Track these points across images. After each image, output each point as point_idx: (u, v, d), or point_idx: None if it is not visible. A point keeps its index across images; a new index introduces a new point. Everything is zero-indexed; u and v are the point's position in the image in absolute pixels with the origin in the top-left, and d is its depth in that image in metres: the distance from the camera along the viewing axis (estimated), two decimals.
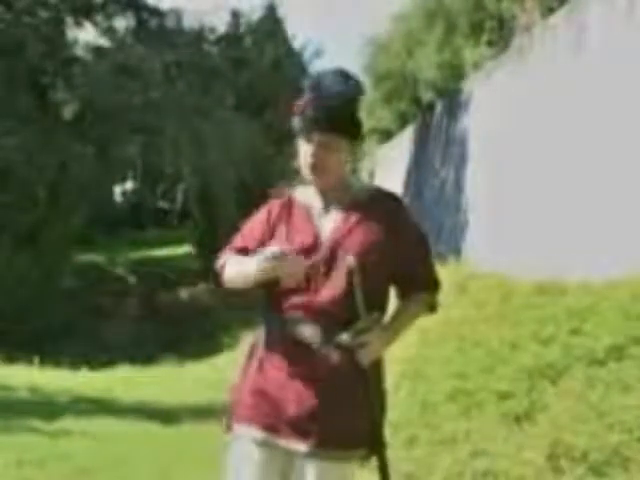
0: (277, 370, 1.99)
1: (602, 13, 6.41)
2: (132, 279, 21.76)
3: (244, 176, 18.29)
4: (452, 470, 3.76)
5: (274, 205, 2.13)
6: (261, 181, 17.50)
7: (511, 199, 8.32)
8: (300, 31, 67.98)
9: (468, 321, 6.26)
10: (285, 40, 26.09)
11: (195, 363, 12.04)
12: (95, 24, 17.88)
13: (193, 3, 26.62)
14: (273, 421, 1.97)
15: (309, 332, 1.96)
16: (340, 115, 1.98)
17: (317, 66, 27.40)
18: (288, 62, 24.94)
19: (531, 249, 7.45)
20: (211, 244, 15.02)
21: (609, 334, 4.26)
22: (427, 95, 12.63)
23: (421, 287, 2.11)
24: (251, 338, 2.17)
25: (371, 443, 2.01)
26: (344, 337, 1.96)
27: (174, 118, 16.79)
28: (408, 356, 6.19)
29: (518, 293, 6.37)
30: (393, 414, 4.69)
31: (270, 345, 2.02)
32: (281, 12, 26.36)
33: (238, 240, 2.17)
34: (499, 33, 9.77)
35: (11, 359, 10.41)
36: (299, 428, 1.95)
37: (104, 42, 18.14)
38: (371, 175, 19.94)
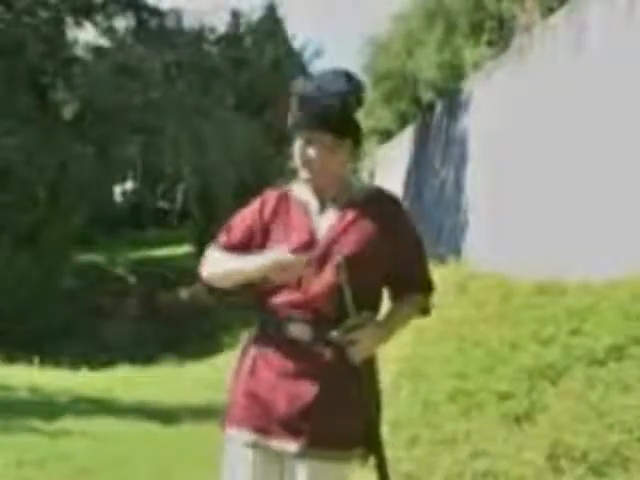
0: (268, 370, 1.98)
1: (602, 13, 6.41)
2: (132, 279, 21.76)
3: (244, 176, 18.29)
4: (452, 470, 3.76)
5: (269, 196, 2.11)
6: (261, 181, 17.49)
7: (511, 199, 8.32)
8: (300, 31, 68.09)
9: (468, 321, 6.26)
10: (285, 40, 26.12)
11: (195, 363, 12.04)
12: (95, 24, 17.89)
13: (193, 3, 26.66)
14: (264, 423, 1.97)
15: (300, 330, 1.95)
16: (337, 114, 1.97)
17: (317, 66, 27.45)
18: (288, 62, 24.94)
19: (531, 249, 7.45)
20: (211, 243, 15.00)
21: (609, 334, 4.26)
22: (427, 95, 12.63)
23: (415, 289, 2.11)
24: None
25: (367, 442, 2.00)
26: (334, 334, 1.95)
27: (174, 118, 16.79)
28: (407, 355, 6.20)
29: (518, 293, 6.37)
30: (394, 413, 4.70)
31: (262, 344, 2.01)
32: (281, 12, 26.41)
33: (227, 232, 2.14)
34: (499, 33, 9.77)
35: (11, 359, 10.40)
36: (290, 428, 1.94)
37: (104, 42, 18.15)
38: (371, 175, 19.94)
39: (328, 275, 1.95)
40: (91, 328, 16.49)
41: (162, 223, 30.61)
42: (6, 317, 13.80)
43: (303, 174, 2.02)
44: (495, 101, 9.27)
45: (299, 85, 2.03)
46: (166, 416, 6.93)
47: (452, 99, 11.39)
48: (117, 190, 30.09)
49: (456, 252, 10.00)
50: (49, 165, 14.92)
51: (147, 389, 9.03)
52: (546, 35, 7.76)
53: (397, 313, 2.10)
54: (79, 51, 17.83)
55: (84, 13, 17.51)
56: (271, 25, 25.40)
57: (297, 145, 2.02)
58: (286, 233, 2.02)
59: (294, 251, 1.96)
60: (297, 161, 2.02)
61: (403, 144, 15.14)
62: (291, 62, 25.25)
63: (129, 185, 31.26)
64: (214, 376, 9.52)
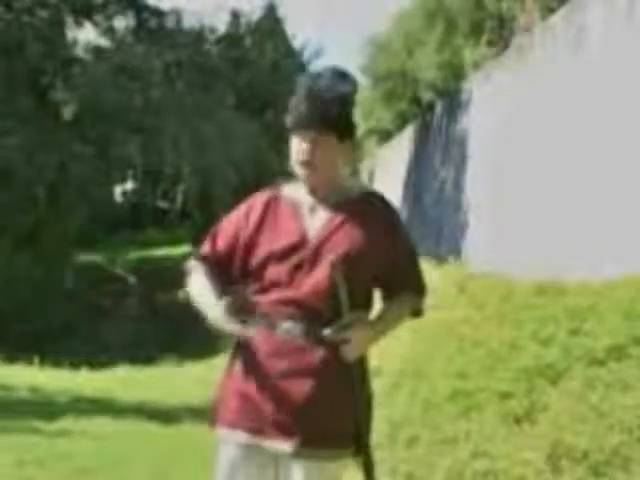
0: (260, 370, 1.97)
1: (602, 13, 6.41)
2: (132, 279, 21.75)
3: (244, 176, 18.28)
4: (452, 470, 3.76)
5: (256, 201, 2.11)
6: (261, 181, 17.45)
7: (511, 199, 8.32)
8: (300, 31, 68.04)
9: (468, 321, 6.26)
10: (285, 40, 26.10)
11: (195, 363, 12.03)
12: (95, 24, 17.88)
13: (193, 3, 26.65)
14: (258, 423, 1.96)
15: (292, 328, 1.95)
16: (335, 113, 1.98)
17: (317, 66, 27.40)
18: (288, 62, 24.93)
19: (531, 249, 7.45)
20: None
21: (609, 334, 4.26)
22: (427, 95, 12.64)
23: (408, 289, 2.11)
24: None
25: (356, 442, 2.00)
26: (327, 332, 1.95)
27: (174, 118, 16.77)
28: (407, 355, 6.20)
29: (518, 293, 6.37)
30: (394, 413, 4.70)
31: (253, 343, 2.00)
32: (281, 12, 26.37)
33: (210, 242, 2.15)
34: (499, 33, 9.78)
35: (11, 359, 10.40)
36: (284, 428, 1.93)
37: (104, 42, 18.14)
38: (371, 175, 19.94)
39: (321, 274, 1.95)
40: (91, 328, 16.49)
41: (162, 223, 30.57)
42: (6, 317, 13.80)
43: (302, 173, 2.01)
44: (495, 101, 9.27)
45: (301, 84, 2.03)
46: (166, 416, 6.93)
47: (452, 99, 11.40)
48: (117, 190, 30.05)
49: (456, 252, 10.00)
50: (49, 165, 14.90)
51: (147, 389, 9.02)
52: (546, 35, 7.76)
53: (389, 313, 2.10)
54: (79, 51, 17.81)
55: (84, 13, 17.50)
56: (271, 25, 25.38)
57: (295, 144, 2.01)
58: (275, 236, 2.02)
59: (284, 252, 1.97)
60: (296, 160, 2.01)
61: (403, 144, 15.13)
62: (291, 62, 25.23)
63: (129, 185, 31.22)
64: (214, 376, 9.49)
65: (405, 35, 13.53)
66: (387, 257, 2.02)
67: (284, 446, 1.93)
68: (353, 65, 16.09)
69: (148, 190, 31.59)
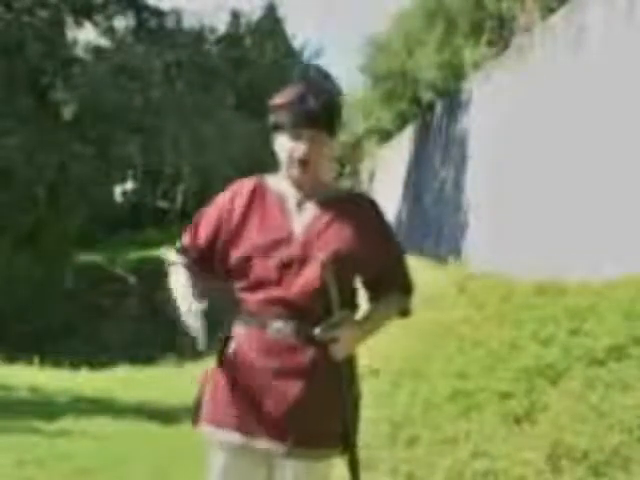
0: (251, 369, 1.96)
1: (602, 13, 6.41)
2: (132, 279, 21.75)
3: (244, 176, 18.28)
4: (452, 470, 3.76)
5: (242, 187, 2.10)
6: None
7: (511, 199, 8.33)
8: (300, 31, 68.14)
9: (468, 321, 6.26)
10: (285, 40, 26.13)
11: (195, 363, 12.03)
12: (95, 24, 17.87)
13: (193, 3, 26.67)
14: (249, 424, 1.95)
15: (283, 328, 1.94)
16: (329, 111, 1.98)
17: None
18: (288, 62, 24.95)
19: (531, 249, 7.45)
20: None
21: (609, 334, 4.27)
22: (427, 95, 12.65)
23: (395, 288, 2.11)
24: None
25: (344, 441, 2.00)
26: (317, 331, 1.94)
27: (174, 118, 16.78)
28: (408, 355, 6.19)
29: (518, 293, 6.38)
30: (394, 413, 4.70)
31: (242, 342, 1.99)
32: (281, 12, 26.44)
33: (191, 233, 2.13)
34: (499, 33, 9.79)
35: (11, 359, 10.41)
36: (276, 428, 1.93)
37: (104, 42, 18.14)
38: (371, 175, 19.95)
39: (312, 273, 1.94)
40: (91, 328, 16.49)
41: (162, 223, 30.58)
42: (6, 317, 13.81)
43: (295, 171, 2.00)
44: (495, 101, 9.27)
45: (294, 84, 2.02)
46: (166, 416, 6.92)
47: (452, 99, 11.40)
48: (117, 190, 30.07)
49: (456, 252, 10.00)
50: (49, 165, 14.91)
51: (147, 389, 9.02)
52: (546, 35, 7.77)
53: (376, 313, 2.10)
54: (79, 51, 17.82)
55: (84, 13, 17.50)
56: (271, 25, 25.41)
57: (287, 142, 1.99)
58: (261, 227, 2.01)
59: (270, 247, 1.95)
60: (290, 158, 1.99)
61: (403, 144, 15.14)
62: (291, 62, 25.25)
63: (129, 185, 31.24)
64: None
65: (405, 35, 13.54)
66: (375, 257, 2.02)
67: (277, 446, 1.93)
68: (353, 65, 16.09)
69: (148, 190, 31.62)
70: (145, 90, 16.68)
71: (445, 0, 11.46)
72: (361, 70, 16.82)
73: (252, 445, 1.96)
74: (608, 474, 3.26)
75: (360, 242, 1.99)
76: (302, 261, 1.95)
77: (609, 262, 5.64)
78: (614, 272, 5.30)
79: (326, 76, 2.03)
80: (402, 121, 15.20)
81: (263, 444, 1.94)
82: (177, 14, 19.55)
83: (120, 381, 9.69)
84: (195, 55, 18.95)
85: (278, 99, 2.01)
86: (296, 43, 27.36)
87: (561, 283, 5.94)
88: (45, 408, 6.75)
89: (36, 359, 10.46)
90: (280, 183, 2.07)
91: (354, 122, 18.68)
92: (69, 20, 17.31)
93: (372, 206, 2.08)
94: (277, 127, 2.02)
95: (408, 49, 13.22)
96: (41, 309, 14.99)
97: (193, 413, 2.09)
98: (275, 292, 1.95)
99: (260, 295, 1.96)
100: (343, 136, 20.46)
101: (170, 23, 19.40)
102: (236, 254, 2.01)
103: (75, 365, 10.90)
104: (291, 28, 39.32)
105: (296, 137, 1.98)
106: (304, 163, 1.98)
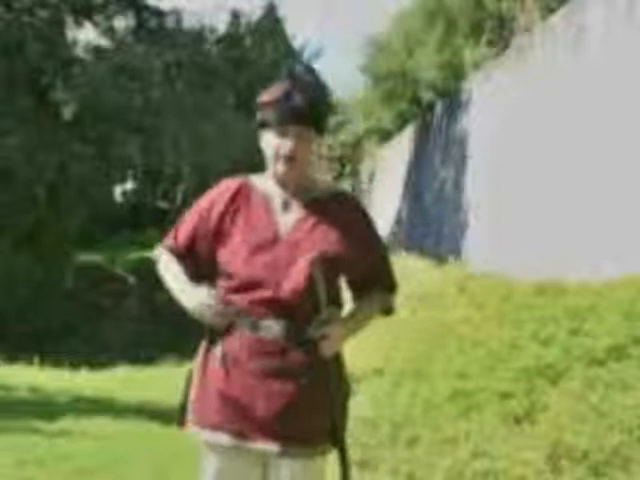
0: (241, 370, 1.96)
1: (602, 13, 6.42)
2: (132, 279, 21.74)
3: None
4: (452, 470, 3.76)
5: (226, 187, 2.10)
6: None
7: (511, 199, 8.33)
8: (300, 31, 68.09)
9: (468, 321, 6.27)
10: (285, 40, 26.13)
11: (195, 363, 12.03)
12: (95, 24, 17.86)
13: (193, 3, 26.66)
14: (242, 425, 1.95)
15: (273, 327, 1.94)
16: (315, 107, 1.98)
17: (317, 66, 27.40)
18: (288, 62, 24.94)
19: (531, 249, 7.45)
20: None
21: (609, 334, 4.27)
22: (427, 95, 12.64)
23: (379, 287, 2.13)
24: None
25: (333, 437, 2.00)
26: (307, 329, 1.96)
27: (174, 118, 16.77)
28: (408, 355, 6.19)
29: (518, 293, 6.38)
30: (394, 413, 4.70)
31: (231, 343, 1.98)
32: (281, 12, 26.42)
33: (175, 232, 2.15)
34: (499, 33, 9.79)
35: (11, 359, 10.41)
36: (269, 428, 1.93)
37: (104, 42, 18.13)
38: (371, 175, 19.93)
39: (300, 273, 1.94)
40: (91, 328, 16.49)
41: (162, 223, 30.56)
42: (6, 317, 13.80)
43: (281, 169, 1.99)
44: (495, 101, 9.27)
45: (282, 82, 2.02)
46: (166, 416, 6.91)
47: (452, 99, 11.40)
48: (117, 190, 30.06)
49: (456, 252, 10.00)
50: (49, 165, 14.90)
51: (147, 389, 9.01)
52: (546, 35, 7.77)
53: (360, 312, 2.11)
54: (79, 51, 17.80)
55: (84, 13, 17.49)
56: (271, 25, 25.41)
57: (273, 139, 1.99)
58: (246, 228, 2.01)
59: (255, 249, 1.96)
60: (276, 155, 1.99)
61: (403, 144, 15.13)
62: (291, 62, 25.25)
63: (129, 185, 31.24)
64: None
65: (405, 35, 13.54)
66: (361, 257, 2.04)
67: (272, 446, 1.93)
68: (353, 65, 16.10)
69: (148, 190, 31.62)
70: (145, 90, 16.66)
71: (445, 0, 11.46)
72: (361, 70, 16.82)
73: (246, 446, 1.95)
74: (608, 474, 3.26)
75: (346, 243, 2.00)
76: (289, 262, 1.95)
77: (609, 262, 5.64)
78: (614, 272, 5.30)
79: (313, 73, 2.03)
80: (402, 121, 15.20)
81: (257, 445, 1.94)
82: (177, 14, 19.53)
83: (120, 381, 9.68)
84: (195, 55, 18.93)
85: (264, 96, 2.01)
86: (296, 43, 27.38)
87: (561, 283, 5.94)
88: (45, 408, 6.74)
89: (36, 359, 10.46)
90: (266, 182, 2.07)
91: (354, 122, 18.69)
92: (69, 20, 17.30)
93: (357, 206, 2.10)
94: (264, 124, 2.02)
95: (408, 49, 13.22)
96: (41, 309, 14.99)
97: (179, 413, 2.07)
98: (264, 292, 1.95)
99: (248, 295, 1.96)
100: (343, 136, 20.48)
101: (170, 23, 19.38)
102: (222, 255, 2.01)
103: (75, 365, 10.90)
104: (291, 28, 39.28)
105: (282, 134, 1.97)
106: (290, 160, 1.98)
